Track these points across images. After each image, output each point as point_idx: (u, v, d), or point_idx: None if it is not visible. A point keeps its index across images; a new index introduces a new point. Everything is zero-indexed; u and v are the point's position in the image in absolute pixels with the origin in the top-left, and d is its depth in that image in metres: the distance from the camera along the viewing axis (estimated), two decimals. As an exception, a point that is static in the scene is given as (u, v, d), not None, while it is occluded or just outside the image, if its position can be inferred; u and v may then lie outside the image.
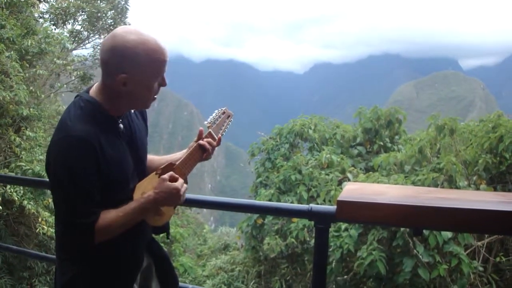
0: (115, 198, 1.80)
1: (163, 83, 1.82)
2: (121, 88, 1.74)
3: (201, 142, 2.01)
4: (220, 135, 2.10)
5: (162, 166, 1.91)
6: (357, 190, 2.01)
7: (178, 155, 2.05)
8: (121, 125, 1.86)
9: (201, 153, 2.03)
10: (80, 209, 1.69)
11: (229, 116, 2.18)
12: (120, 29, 1.76)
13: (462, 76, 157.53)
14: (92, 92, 1.82)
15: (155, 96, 1.84)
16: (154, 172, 1.90)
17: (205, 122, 2.08)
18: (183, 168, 1.95)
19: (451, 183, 5.55)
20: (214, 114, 2.12)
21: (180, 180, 1.84)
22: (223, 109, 2.17)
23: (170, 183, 1.81)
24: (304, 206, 2.12)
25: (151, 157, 2.10)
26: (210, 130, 2.07)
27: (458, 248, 4.86)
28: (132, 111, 1.96)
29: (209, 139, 2.04)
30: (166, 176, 1.82)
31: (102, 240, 1.75)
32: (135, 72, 1.72)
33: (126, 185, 1.85)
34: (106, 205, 1.76)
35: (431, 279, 4.94)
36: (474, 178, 5.90)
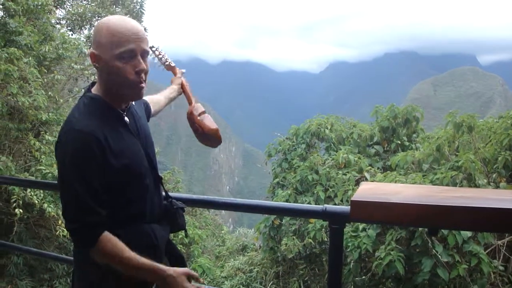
0: (131, 193, 1.80)
1: (138, 66, 1.77)
2: (97, 67, 1.79)
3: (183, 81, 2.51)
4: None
5: (203, 110, 2.29)
6: (371, 189, 2.00)
7: (170, 91, 2.49)
8: (127, 119, 1.87)
9: None
10: (84, 205, 1.67)
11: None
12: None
13: (480, 72, 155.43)
14: (94, 89, 1.85)
15: (142, 85, 1.81)
16: (206, 114, 2.29)
17: (168, 64, 2.47)
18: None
19: (470, 181, 5.48)
20: (160, 55, 2.46)
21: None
22: (154, 47, 2.46)
23: (185, 282, 1.79)
24: (318, 207, 2.11)
25: (156, 98, 2.40)
26: (175, 67, 2.52)
27: (477, 247, 4.79)
28: (136, 111, 1.99)
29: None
30: (189, 273, 1.83)
31: (99, 260, 1.73)
32: (97, 47, 1.76)
33: (141, 179, 1.84)
34: (123, 202, 1.77)
35: (451, 279, 4.88)
36: (494, 175, 5.81)
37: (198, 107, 2.30)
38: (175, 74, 2.50)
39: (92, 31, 1.89)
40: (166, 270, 1.77)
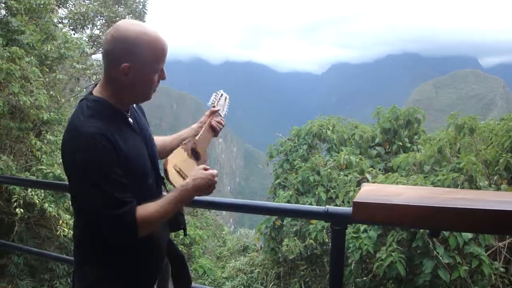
0: (136, 193, 1.79)
1: (162, 76, 1.85)
2: (123, 78, 1.76)
3: (212, 124, 2.18)
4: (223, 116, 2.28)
5: (186, 141, 2.01)
6: (373, 191, 1.99)
7: (189, 131, 2.23)
8: (130, 120, 1.88)
9: (212, 132, 2.19)
10: (117, 199, 1.68)
11: (226, 98, 2.32)
12: (122, 21, 1.80)
13: (482, 74, 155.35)
14: (96, 91, 1.84)
15: (155, 89, 1.87)
16: (180, 147, 1.98)
17: (209, 104, 2.23)
18: (202, 142, 2.08)
19: (472, 183, 5.47)
20: (213, 97, 2.27)
21: (215, 171, 1.89)
22: (220, 91, 2.30)
23: (206, 171, 1.85)
24: (320, 208, 2.12)
25: (162, 138, 2.20)
26: (216, 110, 2.23)
27: (478, 249, 4.79)
28: (137, 111, 1.99)
29: (219, 119, 2.22)
30: (201, 166, 1.89)
31: (146, 234, 1.75)
32: (136, 61, 1.74)
33: (145, 178, 1.86)
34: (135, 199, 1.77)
35: (452, 281, 4.87)
36: (495, 177, 5.81)
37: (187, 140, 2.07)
38: (210, 113, 2.27)
39: (110, 37, 1.76)
40: (187, 183, 1.83)
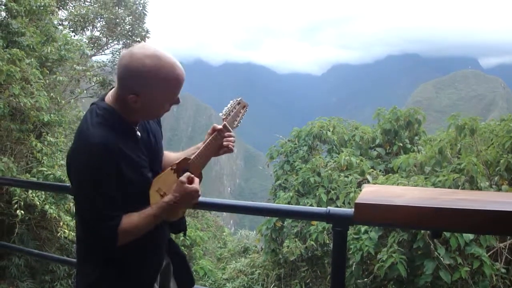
0: (136, 203, 1.83)
1: (175, 103, 1.86)
2: (132, 104, 1.77)
3: (224, 143, 2.03)
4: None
5: (177, 161, 1.95)
6: (375, 192, 1.99)
7: (192, 150, 2.09)
8: (139, 133, 1.89)
9: (216, 148, 2.03)
10: (104, 213, 1.73)
11: (244, 107, 2.14)
12: (139, 49, 1.75)
13: (482, 75, 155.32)
14: (108, 100, 1.85)
15: (168, 110, 1.88)
16: (170, 168, 1.93)
17: (220, 114, 2.07)
18: (197, 163, 1.97)
19: (472, 184, 5.47)
20: (229, 105, 2.11)
21: (196, 180, 1.88)
22: (238, 99, 2.15)
23: (188, 185, 1.84)
24: (322, 209, 2.11)
25: (166, 153, 2.14)
26: (225, 122, 2.05)
27: (480, 250, 4.78)
28: (149, 122, 2.01)
29: (230, 134, 2.04)
30: (184, 178, 1.85)
31: (124, 242, 1.78)
32: (146, 94, 1.75)
33: (146, 190, 1.88)
34: (128, 210, 1.80)
35: (453, 282, 4.86)
36: (496, 178, 5.80)
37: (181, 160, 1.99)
38: (212, 130, 2.06)
39: (123, 63, 1.70)
40: (170, 199, 1.84)
